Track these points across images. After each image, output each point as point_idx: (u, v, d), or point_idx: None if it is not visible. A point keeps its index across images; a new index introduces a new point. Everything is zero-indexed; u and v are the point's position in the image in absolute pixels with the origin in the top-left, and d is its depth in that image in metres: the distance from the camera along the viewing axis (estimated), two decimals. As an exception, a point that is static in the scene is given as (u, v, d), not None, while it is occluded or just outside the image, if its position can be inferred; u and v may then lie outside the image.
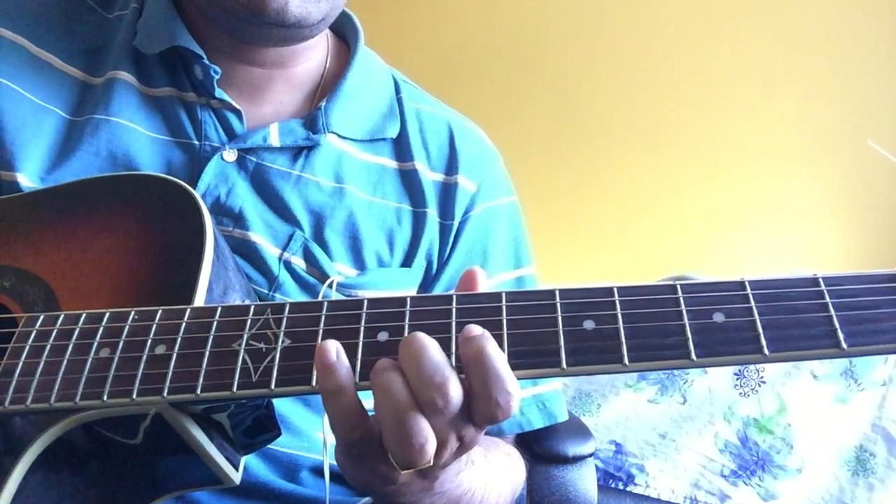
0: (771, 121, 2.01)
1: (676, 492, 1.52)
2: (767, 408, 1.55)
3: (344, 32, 0.89)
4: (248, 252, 0.73)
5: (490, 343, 0.46)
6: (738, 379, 1.57)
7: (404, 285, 0.80)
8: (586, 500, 1.08)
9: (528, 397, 0.83)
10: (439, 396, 0.45)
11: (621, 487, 1.54)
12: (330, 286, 0.73)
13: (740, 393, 1.56)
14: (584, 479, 1.10)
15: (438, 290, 0.82)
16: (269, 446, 0.65)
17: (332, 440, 0.73)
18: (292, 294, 0.73)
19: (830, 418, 1.53)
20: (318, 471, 0.75)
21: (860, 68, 1.96)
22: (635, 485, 1.54)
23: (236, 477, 0.58)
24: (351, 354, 0.48)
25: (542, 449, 0.99)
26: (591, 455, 1.06)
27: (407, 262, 0.80)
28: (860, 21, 1.95)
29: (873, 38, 1.95)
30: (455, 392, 0.45)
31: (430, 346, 0.46)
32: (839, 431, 1.52)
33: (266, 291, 0.72)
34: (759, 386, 1.56)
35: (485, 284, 0.52)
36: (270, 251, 0.73)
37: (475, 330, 0.46)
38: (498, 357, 0.45)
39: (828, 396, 1.54)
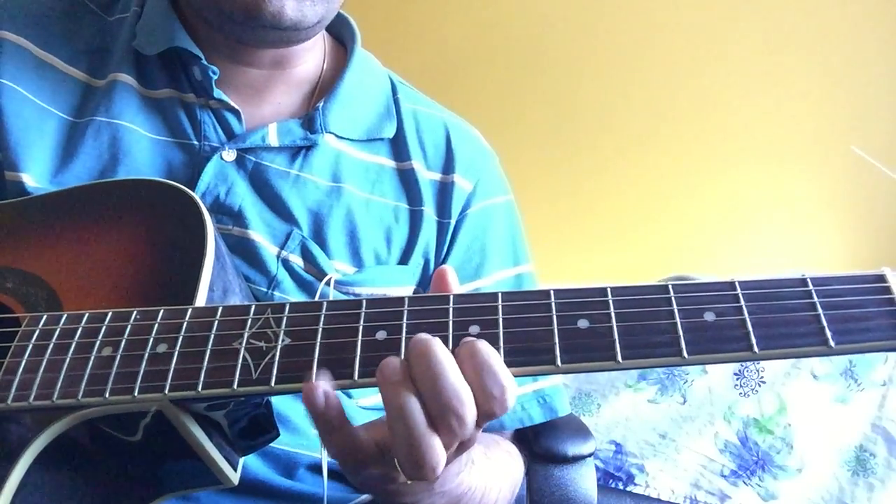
0: (769, 122, 2.01)
1: (676, 492, 1.53)
2: (767, 408, 1.55)
3: (341, 34, 0.90)
4: (247, 250, 0.74)
5: (481, 342, 0.47)
6: (738, 379, 1.58)
7: (402, 282, 0.80)
8: (586, 500, 1.08)
9: (528, 393, 0.83)
10: (457, 423, 0.45)
11: (621, 487, 1.55)
12: (328, 284, 0.73)
13: (740, 393, 1.57)
14: (584, 479, 1.11)
15: None
16: (266, 444, 0.66)
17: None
18: (290, 292, 0.74)
19: (830, 418, 1.53)
20: (316, 468, 0.75)
21: (859, 69, 1.96)
22: (635, 485, 1.54)
23: (234, 477, 0.58)
24: (349, 352, 0.48)
25: (541, 448, 0.99)
26: (591, 455, 1.07)
27: (404, 259, 0.81)
28: (859, 22, 1.95)
29: (872, 39, 1.95)
30: (471, 416, 0.46)
31: (447, 366, 0.46)
32: (839, 431, 1.52)
33: (265, 290, 0.73)
34: (759, 386, 1.56)
35: (455, 283, 0.53)
36: (269, 249, 0.74)
37: (469, 337, 0.48)
38: (490, 353, 0.46)
39: (828, 396, 1.55)
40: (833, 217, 2.00)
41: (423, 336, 0.47)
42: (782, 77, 2.00)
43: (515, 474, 0.80)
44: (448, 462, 0.50)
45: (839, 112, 1.97)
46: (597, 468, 1.48)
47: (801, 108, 1.99)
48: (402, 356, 0.48)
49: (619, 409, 1.60)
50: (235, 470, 0.59)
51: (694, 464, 1.54)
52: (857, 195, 1.97)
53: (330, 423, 0.48)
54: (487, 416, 0.47)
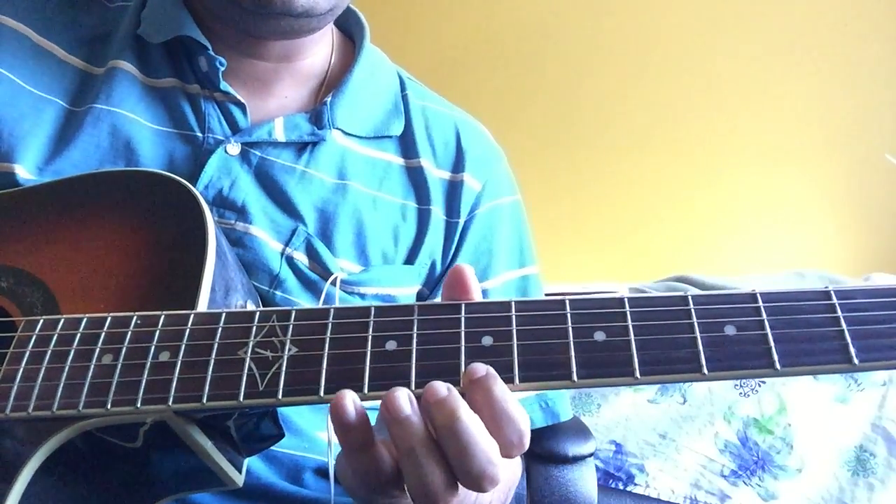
0: (772, 122, 2.01)
1: (676, 492, 1.52)
2: (767, 408, 1.54)
3: (349, 29, 0.88)
4: (249, 246, 0.72)
5: (496, 383, 0.44)
6: (737, 379, 1.57)
7: (407, 283, 0.79)
8: (586, 500, 1.07)
9: (531, 396, 0.82)
10: (489, 484, 0.43)
11: (621, 487, 1.54)
12: (333, 283, 0.72)
13: (740, 393, 1.56)
14: (584, 479, 1.10)
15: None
16: (271, 448, 0.65)
17: (335, 440, 0.73)
18: (294, 291, 0.73)
19: (830, 418, 1.53)
20: (321, 472, 0.74)
21: (860, 69, 1.96)
22: (635, 485, 1.54)
23: (239, 479, 0.57)
24: (358, 363, 0.47)
25: (541, 449, 0.98)
26: (591, 455, 1.06)
27: (410, 259, 0.79)
28: (860, 22, 1.95)
29: (873, 39, 1.94)
30: (504, 476, 0.44)
31: (480, 437, 0.43)
32: (839, 431, 1.52)
33: (266, 288, 0.72)
34: (759, 386, 1.56)
35: (475, 281, 0.51)
36: (272, 246, 0.72)
37: (479, 370, 0.45)
38: (506, 396, 0.44)
39: (828, 396, 1.54)
40: (832, 217, 2.00)
41: (442, 392, 0.44)
42: (783, 79, 1.99)
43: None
44: None
45: (839, 113, 1.96)
46: (597, 468, 1.47)
47: (801, 110, 1.99)
48: (412, 384, 0.46)
49: (619, 408, 1.59)
50: (240, 472, 0.58)
51: (694, 464, 1.53)
52: (858, 195, 1.97)
53: (358, 440, 0.45)
54: (505, 457, 0.45)
